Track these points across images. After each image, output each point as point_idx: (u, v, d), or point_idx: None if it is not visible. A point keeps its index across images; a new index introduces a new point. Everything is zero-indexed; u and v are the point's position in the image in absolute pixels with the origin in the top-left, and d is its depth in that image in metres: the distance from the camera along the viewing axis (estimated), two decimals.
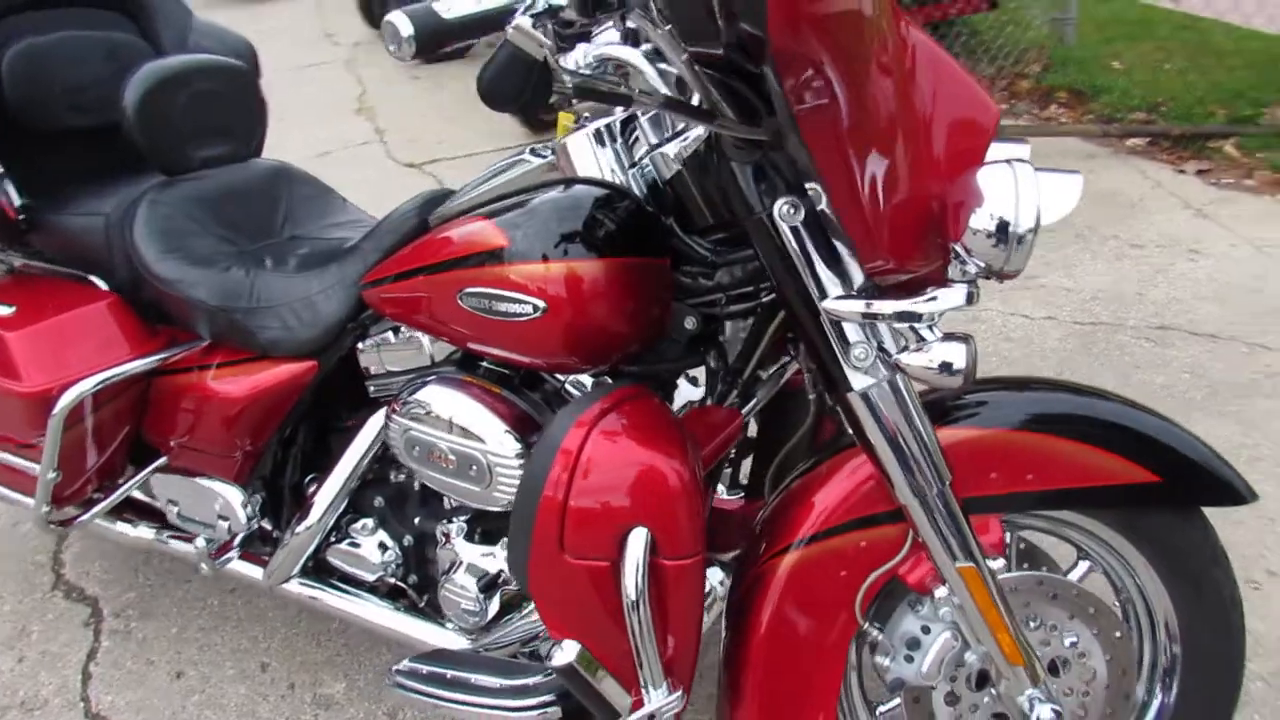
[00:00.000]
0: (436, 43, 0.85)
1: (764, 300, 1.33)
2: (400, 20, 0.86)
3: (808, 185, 1.09)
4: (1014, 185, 1.06)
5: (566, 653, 1.16)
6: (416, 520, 1.67)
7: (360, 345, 1.63)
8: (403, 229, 1.58)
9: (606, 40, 1.49)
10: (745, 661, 1.30)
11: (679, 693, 1.21)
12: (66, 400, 1.62)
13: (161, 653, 2.01)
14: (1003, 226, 1.07)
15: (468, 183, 1.56)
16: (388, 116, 5.72)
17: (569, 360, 1.35)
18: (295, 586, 1.73)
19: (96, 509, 1.81)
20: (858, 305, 1.10)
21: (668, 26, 1.00)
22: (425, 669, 1.52)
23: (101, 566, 2.26)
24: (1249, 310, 2.91)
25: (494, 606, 1.55)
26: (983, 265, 1.10)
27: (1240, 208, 3.58)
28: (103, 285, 1.80)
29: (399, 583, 1.71)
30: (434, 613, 1.68)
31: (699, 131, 1.26)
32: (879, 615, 1.33)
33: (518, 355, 1.38)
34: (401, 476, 1.68)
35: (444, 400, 1.44)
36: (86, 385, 1.63)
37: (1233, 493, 1.29)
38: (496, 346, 1.38)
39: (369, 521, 1.70)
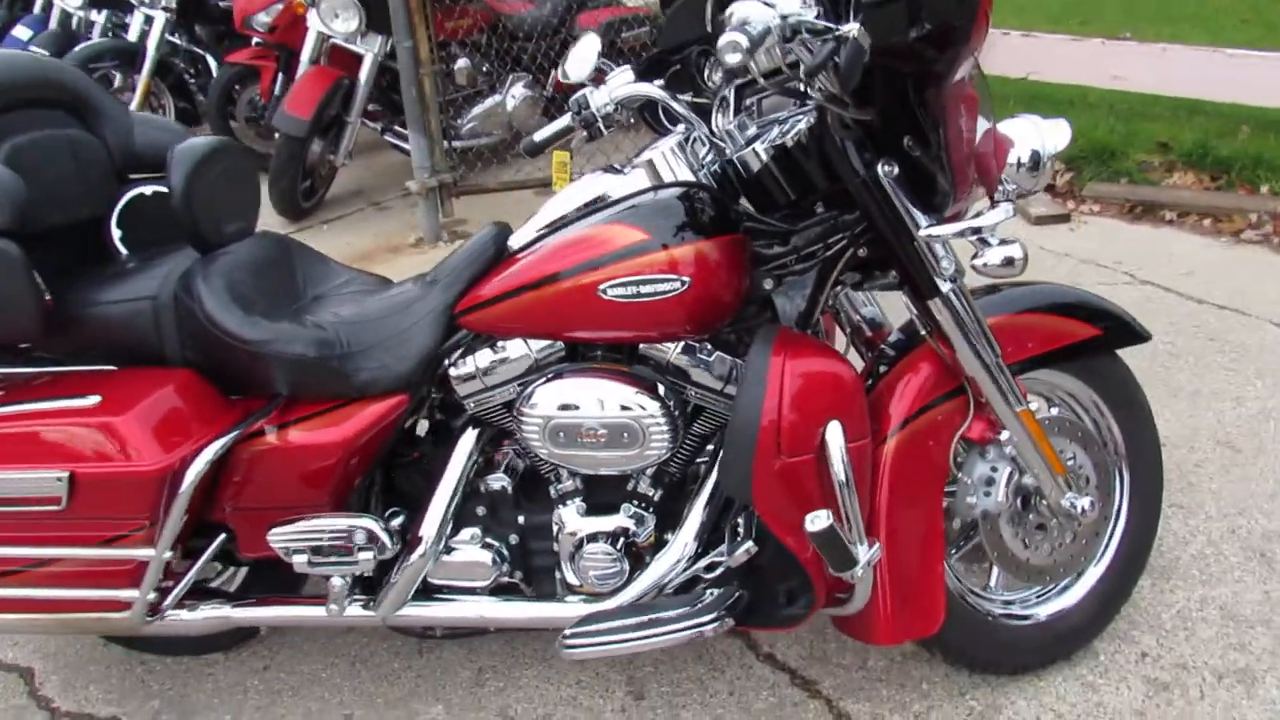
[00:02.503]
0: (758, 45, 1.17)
1: (827, 255, 1.73)
2: (740, 36, 1.17)
3: (908, 144, 1.51)
4: (1033, 131, 1.57)
5: (822, 519, 1.47)
6: (520, 519, 1.86)
7: (453, 370, 1.80)
8: (482, 258, 1.79)
9: (622, 82, 1.86)
10: (875, 528, 1.68)
11: (876, 544, 1.57)
12: (197, 468, 1.64)
13: None
14: (1032, 158, 1.57)
15: (535, 215, 1.82)
16: None
17: (694, 327, 1.66)
18: (411, 611, 1.84)
19: (178, 590, 1.79)
20: (955, 227, 1.54)
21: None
22: (595, 626, 1.74)
23: (98, 688, 2.13)
24: None
25: (628, 564, 1.79)
26: (1016, 187, 1.59)
27: None
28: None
29: (508, 579, 1.87)
30: (544, 596, 1.87)
31: (776, 134, 1.64)
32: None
33: (652, 331, 1.66)
34: (500, 484, 1.86)
35: (587, 387, 1.69)
36: (211, 451, 1.66)
37: (1139, 335, 1.88)
38: (633, 328, 1.66)
39: (475, 530, 1.85)
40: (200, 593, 1.91)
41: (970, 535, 1.89)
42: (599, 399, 1.68)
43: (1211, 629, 2.01)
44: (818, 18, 1.27)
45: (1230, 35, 4.97)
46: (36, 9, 6.08)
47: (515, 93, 4.97)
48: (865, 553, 1.55)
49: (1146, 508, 1.98)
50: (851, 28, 1.22)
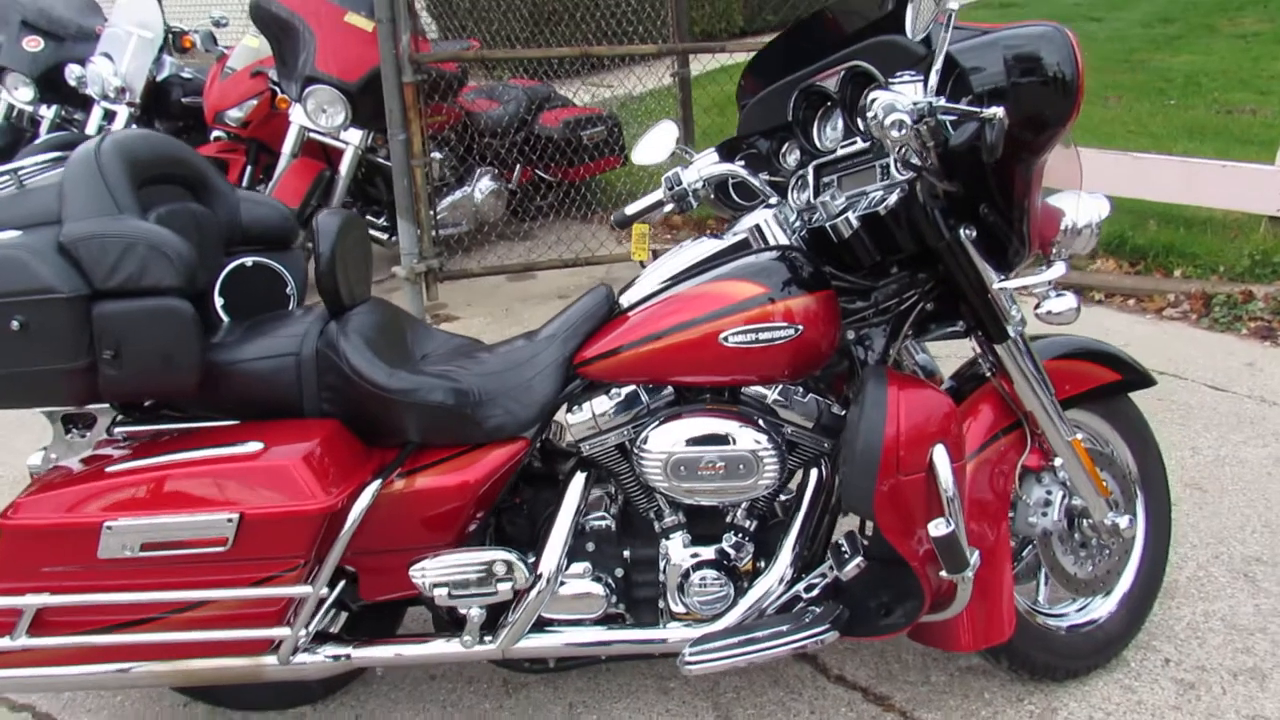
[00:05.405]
0: None
1: (901, 309, 1.99)
2: (904, 115, 1.44)
3: (983, 210, 1.80)
4: (1078, 203, 1.89)
5: (944, 525, 1.70)
6: (625, 553, 2.03)
7: (569, 417, 1.98)
8: (597, 315, 2.00)
9: (710, 162, 2.13)
10: None
11: (977, 551, 1.81)
12: (362, 505, 1.76)
13: None
14: (1079, 226, 1.89)
15: (636, 277, 2.04)
16: None
17: (793, 372, 1.89)
18: (529, 643, 1.97)
19: (311, 628, 1.87)
20: (1026, 281, 1.84)
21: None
22: (713, 645, 1.91)
23: None
24: None
25: (733, 588, 1.97)
26: (1068, 250, 1.90)
27: None
28: None
29: (614, 610, 2.02)
30: (645, 625, 2.03)
31: (865, 204, 1.91)
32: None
33: (759, 374, 1.89)
34: (603, 522, 2.03)
35: (706, 424, 1.90)
36: (372, 490, 1.79)
37: (1148, 380, 2.21)
38: (745, 372, 1.88)
39: (586, 565, 2.01)
40: (316, 637, 1.99)
41: (1020, 556, 2.15)
42: (718, 435, 1.89)
43: (1218, 637, 2.30)
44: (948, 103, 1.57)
45: (1123, 143, 5.61)
46: None
47: (482, 185, 5.23)
48: (974, 556, 1.79)
49: (1160, 528, 2.28)
50: (995, 111, 1.51)
